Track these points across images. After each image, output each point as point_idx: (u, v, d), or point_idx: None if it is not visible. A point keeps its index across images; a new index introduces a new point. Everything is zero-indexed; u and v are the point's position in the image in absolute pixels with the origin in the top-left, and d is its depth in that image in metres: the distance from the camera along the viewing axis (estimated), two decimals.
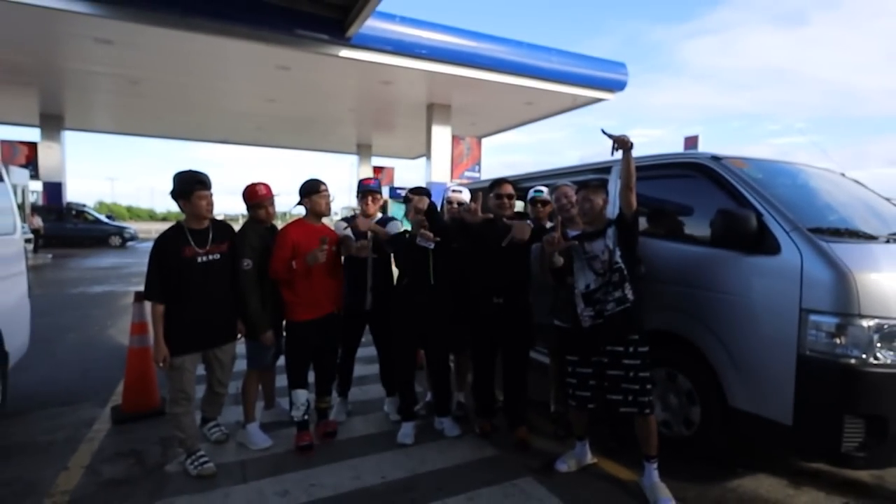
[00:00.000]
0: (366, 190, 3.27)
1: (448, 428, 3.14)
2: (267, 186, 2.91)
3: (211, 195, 2.63)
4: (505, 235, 2.87)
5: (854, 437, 2.14)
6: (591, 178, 2.95)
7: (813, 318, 2.20)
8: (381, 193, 3.37)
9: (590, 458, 2.77)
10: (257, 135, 20.28)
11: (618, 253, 2.46)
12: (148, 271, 2.56)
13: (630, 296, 2.42)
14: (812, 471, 2.73)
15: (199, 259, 2.61)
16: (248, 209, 2.93)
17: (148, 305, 2.68)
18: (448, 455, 2.88)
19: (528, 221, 3.06)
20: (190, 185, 2.56)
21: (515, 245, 2.87)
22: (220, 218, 2.83)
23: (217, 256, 2.67)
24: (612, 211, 3.28)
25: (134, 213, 75.52)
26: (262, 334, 2.83)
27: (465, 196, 3.38)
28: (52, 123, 16.98)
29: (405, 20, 10.19)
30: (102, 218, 20.87)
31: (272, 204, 2.93)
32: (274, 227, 3.00)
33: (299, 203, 2.97)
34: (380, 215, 3.37)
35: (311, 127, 18.21)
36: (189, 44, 9.39)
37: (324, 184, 2.97)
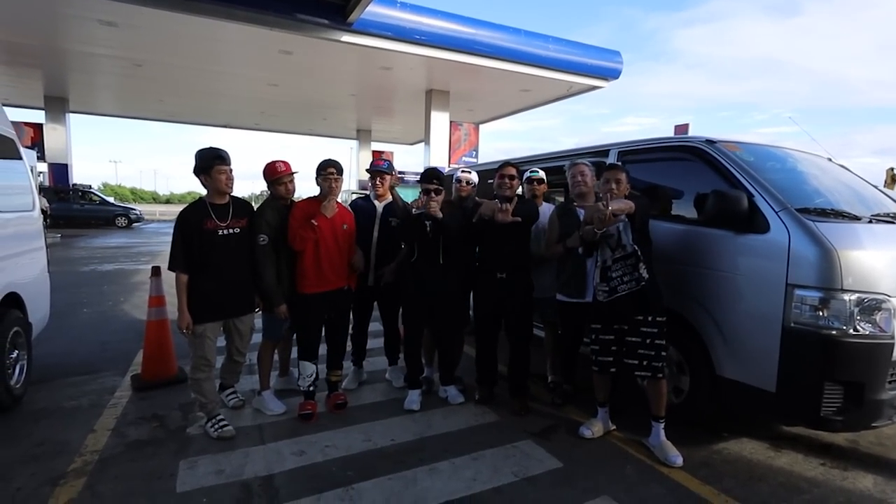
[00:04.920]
0: (375, 170, 3.37)
1: (452, 395, 3.32)
2: (286, 163, 3.02)
3: (230, 170, 2.76)
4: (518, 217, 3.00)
5: (833, 403, 2.31)
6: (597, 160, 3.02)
7: (798, 292, 2.34)
8: (390, 174, 3.44)
9: (611, 425, 2.92)
10: (259, 119, 20.29)
11: (629, 235, 2.58)
12: (172, 243, 2.71)
13: (645, 274, 2.54)
14: (791, 435, 2.91)
15: (220, 232, 2.75)
16: (268, 186, 3.05)
17: (165, 279, 2.83)
18: (452, 420, 3.06)
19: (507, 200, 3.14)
20: (210, 161, 2.70)
21: (517, 224, 2.99)
22: None
23: (236, 231, 2.81)
24: None
25: (138, 196, 75.61)
26: (277, 307, 2.97)
27: (474, 177, 3.50)
28: (57, 106, 17.04)
29: (405, 6, 10.22)
30: (108, 199, 21.17)
31: (291, 181, 3.04)
32: (294, 203, 3.10)
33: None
34: (391, 197, 3.46)
35: (313, 112, 18.23)
36: (192, 27, 9.40)
37: (332, 165, 3.05)
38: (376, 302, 3.55)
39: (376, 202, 3.40)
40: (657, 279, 2.62)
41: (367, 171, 3.43)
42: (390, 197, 3.44)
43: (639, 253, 2.55)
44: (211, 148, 2.76)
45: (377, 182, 3.37)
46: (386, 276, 3.34)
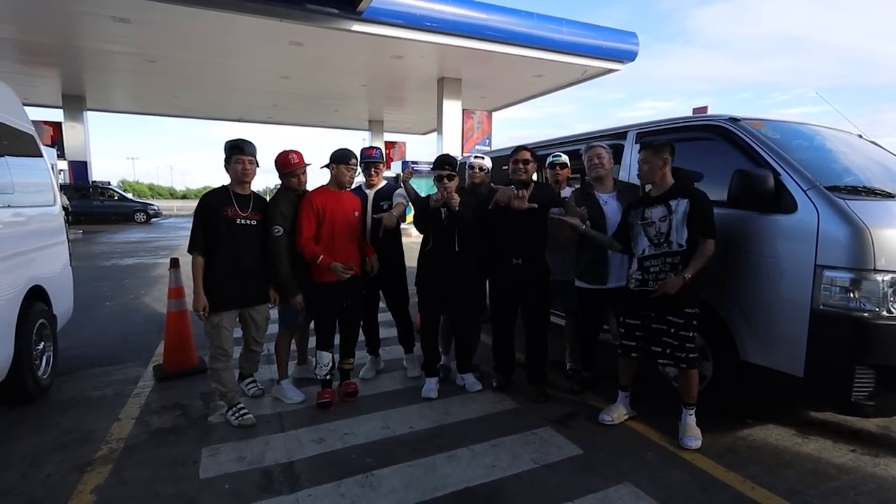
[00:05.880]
0: (369, 161, 3.33)
1: (470, 383, 3.31)
2: (299, 155, 3.00)
3: (248, 160, 2.80)
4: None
5: (864, 387, 2.23)
6: (649, 140, 2.87)
7: (828, 273, 2.25)
8: (384, 163, 3.45)
9: (632, 411, 2.87)
10: (272, 112, 20.36)
11: (684, 233, 2.45)
12: (193, 226, 2.77)
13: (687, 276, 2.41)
14: (819, 421, 2.84)
15: (239, 221, 2.79)
16: (280, 177, 3.03)
17: (184, 272, 2.85)
18: (470, 408, 3.05)
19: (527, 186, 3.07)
20: (230, 151, 2.80)
21: (532, 209, 2.94)
22: None
23: (254, 222, 2.86)
24: (627, 176, 3.33)
25: (155, 192, 77.25)
26: (292, 298, 2.97)
27: (487, 163, 3.45)
28: (74, 104, 17.33)
29: None
30: (127, 195, 21.67)
31: (304, 172, 3.03)
32: (307, 192, 3.09)
33: (326, 166, 3.08)
34: (384, 182, 3.46)
35: (324, 103, 18.21)
36: (203, 21, 9.42)
37: (355, 157, 3.10)
38: (381, 291, 3.53)
39: (368, 191, 3.39)
40: (702, 278, 2.45)
41: (360, 163, 3.40)
42: (382, 184, 3.43)
43: (686, 256, 2.42)
44: (234, 139, 2.83)
45: (372, 172, 3.35)
46: (385, 221, 3.16)
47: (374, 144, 21.61)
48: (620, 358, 2.79)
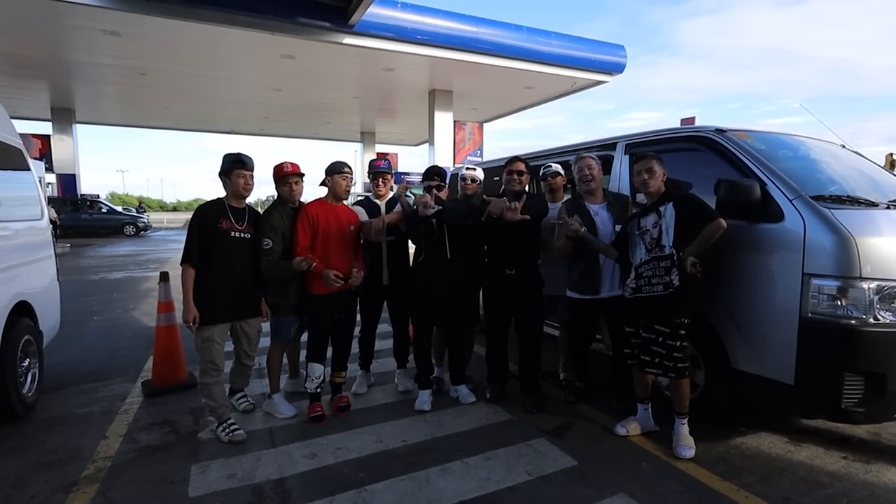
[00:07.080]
0: (377, 171, 3.36)
1: (463, 395, 3.29)
2: (294, 164, 3.03)
3: (250, 175, 2.85)
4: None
5: (854, 394, 2.25)
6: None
7: (815, 281, 2.28)
8: (392, 174, 3.46)
9: (653, 425, 2.79)
10: (263, 124, 20.40)
11: (671, 236, 2.47)
12: (187, 237, 2.76)
13: (676, 282, 2.42)
14: (811, 428, 2.85)
15: (233, 233, 2.80)
16: (276, 187, 3.06)
17: (174, 285, 2.83)
18: (464, 420, 3.03)
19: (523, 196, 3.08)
20: (231, 165, 2.82)
21: (525, 220, 2.95)
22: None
23: (248, 236, 2.87)
24: (616, 187, 3.37)
25: (145, 204, 76.42)
26: (296, 266, 2.82)
27: (479, 174, 3.47)
28: (64, 117, 17.26)
29: (406, 6, 10.22)
30: (116, 208, 21.54)
31: (297, 182, 3.03)
32: (302, 203, 3.10)
33: (323, 183, 3.11)
34: (392, 193, 3.47)
35: (316, 115, 18.29)
36: (194, 34, 9.46)
37: (347, 166, 3.12)
38: (386, 302, 3.51)
39: (378, 202, 3.39)
40: (691, 286, 2.45)
41: (368, 173, 3.42)
42: (391, 194, 3.45)
43: (675, 257, 2.44)
44: (234, 153, 2.86)
45: (379, 182, 3.37)
46: (373, 223, 3.11)
47: (367, 156, 21.76)
48: (633, 370, 2.77)
